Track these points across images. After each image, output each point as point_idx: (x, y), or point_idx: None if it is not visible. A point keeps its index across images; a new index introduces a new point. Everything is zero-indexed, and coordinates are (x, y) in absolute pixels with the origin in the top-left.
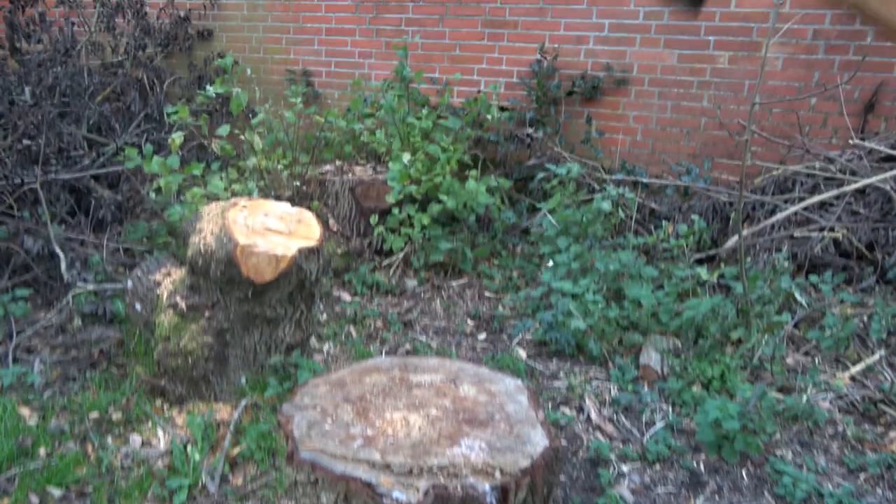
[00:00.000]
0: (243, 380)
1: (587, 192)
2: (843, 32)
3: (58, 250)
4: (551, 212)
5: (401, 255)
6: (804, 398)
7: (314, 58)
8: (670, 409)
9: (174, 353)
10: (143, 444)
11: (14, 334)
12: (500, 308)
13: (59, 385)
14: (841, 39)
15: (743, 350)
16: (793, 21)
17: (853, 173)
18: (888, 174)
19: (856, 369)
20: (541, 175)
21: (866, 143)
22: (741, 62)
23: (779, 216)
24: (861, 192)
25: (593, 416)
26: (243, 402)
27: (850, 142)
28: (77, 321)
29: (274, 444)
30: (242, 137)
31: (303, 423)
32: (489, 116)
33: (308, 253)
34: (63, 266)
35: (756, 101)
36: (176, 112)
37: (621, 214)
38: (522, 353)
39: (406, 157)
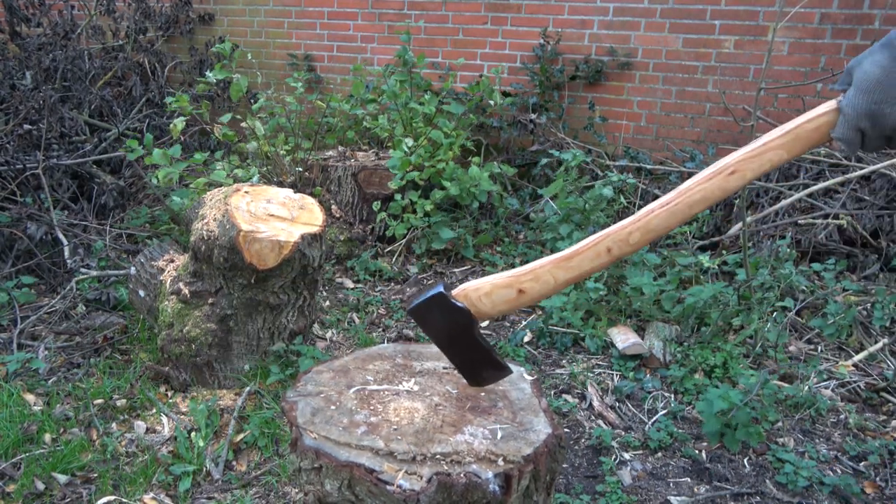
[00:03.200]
0: (247, 366)
1: (590, 179)
2: (850, 16)
3: (61, 236)
4: (553, 198)
5: (403, 241)
6: (806, 386)
7: (316, 42)
8: (672, 396)
9: (178, 339)
10: (147, 430)
11: (18, 321)
12: None
13: (64, 371)
14: (848, 23)
15: (744, 336)
16: (800, 5)
17: (858, 160)
18: (894, 160)
19: (858, 357)
20: (544, 161)
21: None
22: (747, 46)
23: (783, 203)
24: (866, 178)
25: (595, 403)
26: (247, 389)
27: None
28: (81, 308)
29: (277, 431)
30: (244, 123)
31: (307, 410)
32: (491, 101)
33: (311, 239)
34: (66, 252)
35: (762, 87)
36: (176, 101)
37: (623, 201)
38: (525, 339)
39: (409, 142)
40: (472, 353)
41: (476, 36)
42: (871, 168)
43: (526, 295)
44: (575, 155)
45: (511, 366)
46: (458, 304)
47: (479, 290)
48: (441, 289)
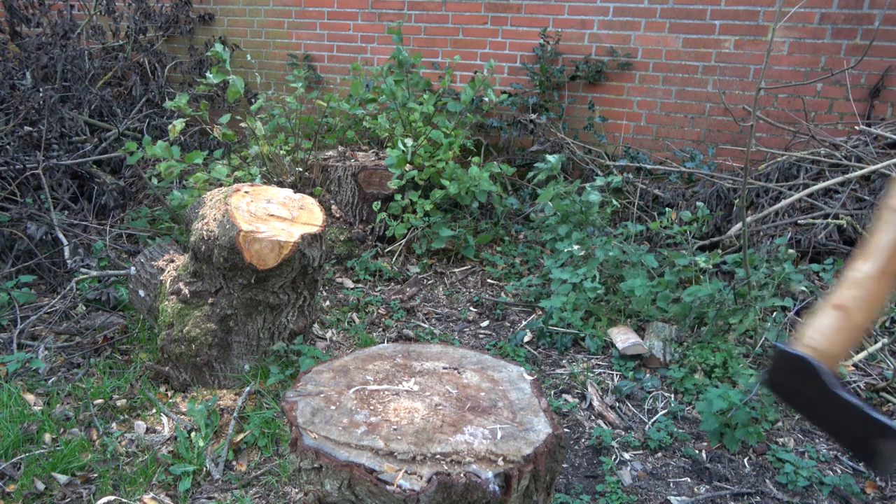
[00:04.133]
0: (247, 367)
1: (590, 179)
2: (850, 16)
3: (61, 236)
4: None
5: (403, 241)
6: None
7: (316, 42)
8: (672, 396)
9: (178, 339)
10: (147, 430)
11: (18, 321)
12: (503, 295)
13: (64, 371)
14: (848, 23)
15: (739, 332)
16: (799, 5)
17: (859, 160)
18: (894, 160)
19: (858, 357)
20: (531, 174)
21: (872, 129)
22: (747, 46)
23: (783, 203)
24: (866, 178)
25: (595, 403)
26: (247, 389)
27: (856, 128)
28: (81, 307)
29: (277, 431)
30: (244, 123)
31: (306, 410)
32: (486, 99)
33: (311, 239)
34: (66, 252)
35: (761, 87)
36: (175, 103)
37: (616, 203)
38: (525, 339)
39: (408, 142)
40: (842, 412)
41: (476, 36)
42: (871, 168)
43: (854, 312)
44: (553, 165)
45: (511, 366)
46: (798, 352)
47: (810, 330)
48: (780, 346)
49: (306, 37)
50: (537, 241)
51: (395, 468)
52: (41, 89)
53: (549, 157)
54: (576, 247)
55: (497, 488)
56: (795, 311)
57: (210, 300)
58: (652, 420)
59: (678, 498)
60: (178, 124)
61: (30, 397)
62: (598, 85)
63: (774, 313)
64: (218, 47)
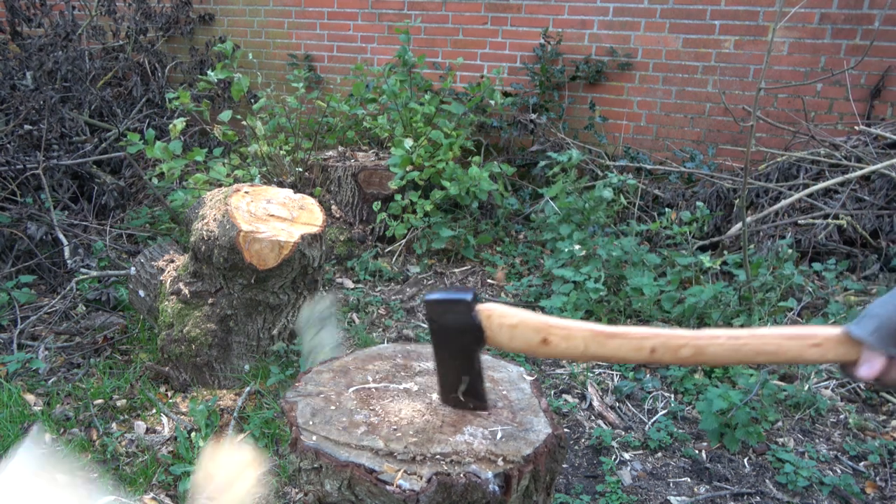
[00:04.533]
0: (247, 367)
1: (590, 179)
2: (850, 17)
3: (61, 236)
4: (553, 198)
5: (403, 241)
6: (806, 386)
7: (316, 42)
8: (672, 396)
9: (178, 339)
10: (147, 430)
11: (18, 321)
12: (503, 295)
13: (64, 371)
14: (848, 24)
15: None
16: (800, 5)
17: (858, 160)
18: (894, 161)
19: None
20: (543, 163)
21: (872, 130)
22: (747, 47)
23: (783, 203)
24: (866, 178)
25: (595, 403)
26: (247, 389)
27: (856, 128)
28: (81, 308)
29: (277, 431)
30: (244, 123)
31: (306, 410)
32: (492, 102)
33: (311, 239)
34: (66, 252)
35: (761, 87)
36: (177, 97)
37: (623, 201)
38: None
39: (408, 142)
40: (462, 373)
41: (476, 36)
42: (871, 168)
43: (548, 347)
44: (571, 156)
45: (511, 366)
46: (478, 320)
47: (504, 318)
48: (470, 297)
49: (306, 37)
50: (537, 241)
51: (395, 468)
52: (42, 89)
53: (571, 152)
54: (577, 246)
55: (497, 488)
56: (797, 311)
57: (210, 300)
58: (652, 420)
59: (678, 498)
60: (179, 123)
61: (30, 397)
62: (598, 85)
63: (775, 315)
64: (228, 45)
